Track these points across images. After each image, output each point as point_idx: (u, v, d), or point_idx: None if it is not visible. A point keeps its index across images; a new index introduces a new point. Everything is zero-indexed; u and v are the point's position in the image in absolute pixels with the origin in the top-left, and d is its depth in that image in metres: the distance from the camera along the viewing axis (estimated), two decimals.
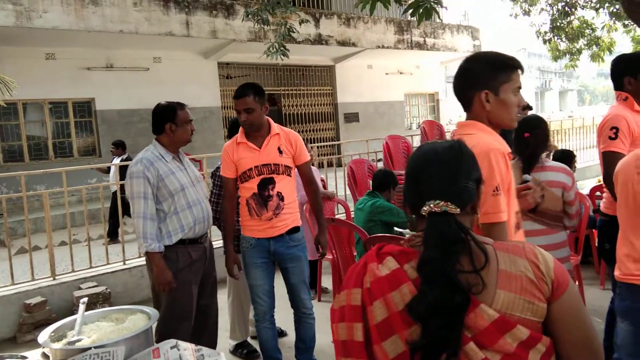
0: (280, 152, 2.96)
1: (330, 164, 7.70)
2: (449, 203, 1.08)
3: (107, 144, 10.46)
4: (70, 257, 4.77)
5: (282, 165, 2.96)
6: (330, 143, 11.18)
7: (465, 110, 1.77)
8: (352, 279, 1.14)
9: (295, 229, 3.03)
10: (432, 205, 1.08)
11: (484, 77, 1.68)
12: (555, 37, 12.72)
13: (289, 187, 2.98)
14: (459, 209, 1.08)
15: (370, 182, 4.54)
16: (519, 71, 1.72)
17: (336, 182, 6.99)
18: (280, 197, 2.94)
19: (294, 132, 3.08)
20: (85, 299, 2.25)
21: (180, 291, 2.81)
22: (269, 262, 3.03)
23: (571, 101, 43.22)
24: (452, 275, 1.01)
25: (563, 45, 12.95)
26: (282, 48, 6.73)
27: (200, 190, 2.98)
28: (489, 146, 1.59)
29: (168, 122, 2.88)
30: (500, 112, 1.70)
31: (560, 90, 33.92)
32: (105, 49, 10.17)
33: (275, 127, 3.01)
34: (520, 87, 1.72)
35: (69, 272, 4.74)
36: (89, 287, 4.49)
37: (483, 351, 1.01)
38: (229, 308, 3.70)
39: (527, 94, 27.41)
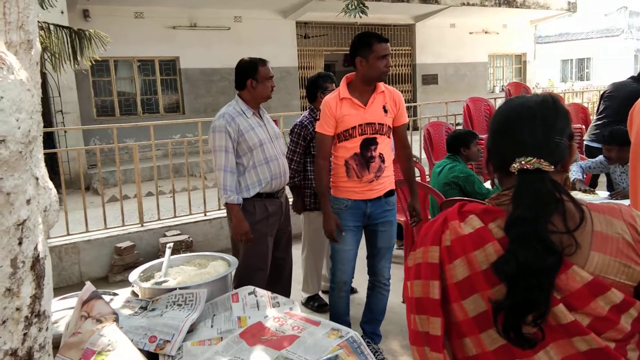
0: (386, 111, 2.78)
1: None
2: (542, 160, 1.02)
3: (190, 102, 10.89)
4: (157, 207, 5.09)
5: (385, 125, 2.79)
6: (407, 104, 10.90)
7: None
8: (430, 236, 1.12)
9: (392, 192, 2.91)
10: (523, 162, 1.03)
11: None
12: None
13: (387, 148, 2.84)
14: (552, 167, 1.03)
15: None
16: None
17: (411, 145, 6.85)
18: (382, 159, 2.79)
19: (397, 91, 2.90)
20: (171, 244, 2.40)
21: (256, 242, 2.92)
22: (361, 226, 2.89)
23: None
24: (545, 236, 0.97)
25: None
26: (361, 5, 6.56)
27: (278, 146, 3.03)
28: None
29: (249, 77, 2.91)
30: None
31: None
32: (189, 8, 10.43)
33: (381, 84, 2.82)
34: None
35: (155, 220, 5.07)
36: (173, 235, 4.79)
37: (572, 313, 0.98)
38: (303, 262, 3.81)
39: (626, 57, 25.06)
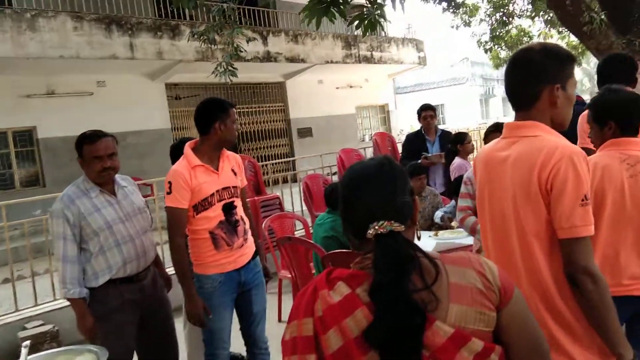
0: (235, 173, 2.79)
1: (285, 180, 7.67)
2: (392, 222, 1.05)
3: (51, 173, 10.05)
4: (14, 295, 4.51)
5: (238, 187, 2.79)
6: (285, 160, 11.16)
7: (521, 108, 1.57)
8: (302, 307, 1.10)
9: (256, 253, 2.87)
10: (377, 227, 1.05)
11: (554, 70, 1.51)
12: (496, 46, 13.37)
13: (242, 210, 2.82)
14: (403, 226, 1.06)
15: None
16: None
17: (292, 198, 6.95)
18: (243, 221, 2.77)
19: (236, 155, 2.93)
20: (28, 342, 2.11)
21: (113, 334, 2.58)
22: (235, 296, 2.76)
23: None
24: (408, 297, 0.99)
25: (503, 54, 13.61)
26: (230, 68, 6.65)
27: (138, 224, 2.72)
28: (571, 149, 1.43)
29: (78, 156, 2.62)
30: (566, 110, 1.54)
31: (503, 96, 35.36)
32: (45, 75, 9.79)
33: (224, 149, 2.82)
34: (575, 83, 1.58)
35: (12, 312, 4.46)
36: (35, 327, 4.23)
37: None
38: (186, 337, 3.56)
39: (473, 101, 28.45)
